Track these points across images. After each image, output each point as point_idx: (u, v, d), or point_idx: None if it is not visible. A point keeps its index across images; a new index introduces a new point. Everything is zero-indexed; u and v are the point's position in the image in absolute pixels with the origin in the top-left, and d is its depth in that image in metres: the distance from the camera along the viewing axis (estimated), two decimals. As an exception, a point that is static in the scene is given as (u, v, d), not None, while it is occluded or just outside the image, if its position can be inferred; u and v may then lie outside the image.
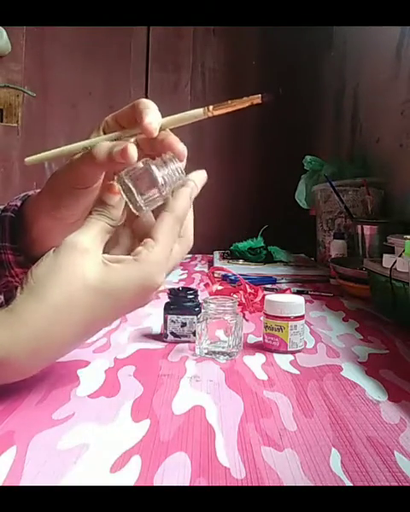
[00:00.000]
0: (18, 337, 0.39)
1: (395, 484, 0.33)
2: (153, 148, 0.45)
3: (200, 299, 0.65)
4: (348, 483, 0.33)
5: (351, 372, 0.54)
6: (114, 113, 0.47)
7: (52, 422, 0.40)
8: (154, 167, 0.43)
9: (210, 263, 1.43)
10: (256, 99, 0.44)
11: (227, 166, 1.95)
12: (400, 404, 0.46)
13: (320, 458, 0.36)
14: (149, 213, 0.47)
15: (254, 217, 1.61)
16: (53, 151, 0.47)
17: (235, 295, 0.85)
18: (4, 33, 1.83)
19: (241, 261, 1.38)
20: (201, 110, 0.45)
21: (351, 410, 0.44)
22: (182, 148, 0.45)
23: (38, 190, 0.52)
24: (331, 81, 1.89)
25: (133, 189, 0.43)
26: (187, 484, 0.32)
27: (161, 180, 0.43)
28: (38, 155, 0.47)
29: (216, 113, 0.45)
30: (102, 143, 0.44)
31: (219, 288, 0.95)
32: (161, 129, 0.45)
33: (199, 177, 0.47)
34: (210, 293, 0.90)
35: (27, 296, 0.40)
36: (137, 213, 0.45)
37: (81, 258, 0.40)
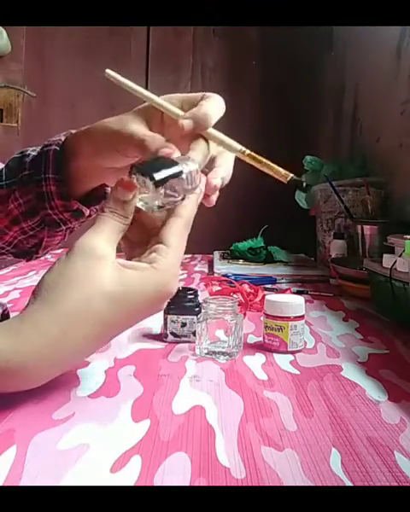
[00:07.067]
0: (32, 346, 0.38)
1: (395, 484, 0.33)
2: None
3: (200, 299, 0.65)
4: (348, 483, 0.33)
5: (351, 372, 0.54)
6: (183, 95, 0.49)
7: (52, 422, 0.40)
8: (184, 166, 0.42)
9: (210, 263, 1.43)
10: (283, 177, 0.46)
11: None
12: (400, 404, 0.46)
13: (320, 458, 0.36)
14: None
15: (254, 217, 1.61)
16: (134, 86, 0.49)
17: (235, 295, 0.85)
18: (4, 33, 1.83)
19: (241, 261, 1.38)
20: (238, 146, 0.47)
21: (351, 410, 0.44)
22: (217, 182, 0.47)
23: (82, 128, 0.52)
24: (331, 81, 1.89)
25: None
26: (187, 484, 0.32)
27: (186, 180, 0.42)
28: (120, 78, 0.49)
29: (246, 159, 0.47)
30: (159, 138, 0.45)
31: (218, 288, 0.95)
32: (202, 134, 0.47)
33: (204, 181, 0.46)
34: (210, 293, 0.91)
35: (41, 306, 0.39)
36: (148, 212, 0.44)
37: (97, 266, 0.39)
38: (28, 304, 0.40)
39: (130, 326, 0.43)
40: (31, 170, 0.52)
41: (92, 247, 0.40)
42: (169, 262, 0.41)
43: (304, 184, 0.45)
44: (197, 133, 0.47)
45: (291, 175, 0.45)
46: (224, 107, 0.48)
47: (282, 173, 0.45)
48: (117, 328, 0.42)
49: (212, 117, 0.46)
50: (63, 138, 0.53)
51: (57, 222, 0.54)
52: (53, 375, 0.41)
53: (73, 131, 0.53)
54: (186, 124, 0.45)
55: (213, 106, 0.46)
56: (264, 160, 0.46)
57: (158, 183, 0.41)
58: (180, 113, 0.47)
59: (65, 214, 0.53)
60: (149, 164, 0.43)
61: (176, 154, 0.44)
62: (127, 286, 0.40)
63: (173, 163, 0.42)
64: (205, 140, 0.47)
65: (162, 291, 0.41)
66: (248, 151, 0.47)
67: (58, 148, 0.52)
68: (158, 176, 0.41)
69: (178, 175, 0.42)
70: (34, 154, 0.54)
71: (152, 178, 0.41)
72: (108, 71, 0.49)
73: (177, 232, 0.43)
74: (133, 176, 0.42)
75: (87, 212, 0.55)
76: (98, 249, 0.40)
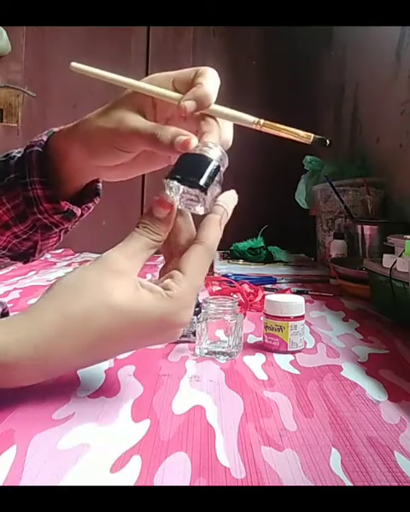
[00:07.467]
0: (29, 342, 0.38)
1: (395, 484, 0.33)
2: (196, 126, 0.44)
3: (200, 299, 0.65)
4: (348, 483, 0.33)
5: (351, 372, 0.54)
6: (171, 73, 0.46)
7: (52, 422, 0.40)
8: (214, 154, 0.41)
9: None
10: (305, 139, 0.44)
11: (227, 166, 1.94)
12: (400, 404, 0.46)
13: (320, 458, 0.36)
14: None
15: (254, 217, 1.61)
16: (103, 72, 0.46)
17: (235, 295, 0.85)
18: (4, 33, 1.83)
19: (241, 261, 1.38)
20: (251, 118, 0.45)
21: (351, 410, 0.44)
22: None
23: (64, 127, 0.50)
24: (331, 81, 1.89)
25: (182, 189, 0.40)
26: (187, 484, 0.32)
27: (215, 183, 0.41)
28: (87, 67, 0.46)
29: (263, 129, 0.44)
30: (169, 128, 0.43)
31: (219, 288, 0.95)
32: (207, 113, 0.44)
33: (229, 200, 0.44)
34: (210, 293, 0.90)
35: (47, 303, 0.39)
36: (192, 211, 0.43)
37: (111, 279, 0.39)
38: (36, 301, 0.40)
39: (131, 346, 0.43)
40: (16, 173, 0.50)
41: (112, 261, 0.40)
42: (182, 290, 0.40)
43: (327, 142, 0.43)
44: (202, 113, 0.44)
45: (313, 135, 0.44)
46: (219, 80, 0.45)
47: (304, 136, 0.44)
48: (116, 342, 0.41)
49: (213, 94, 0.44)
50: (45, 138, 0.50)
51: (48, 225, 0.52)
52: (45, 375, 0.41)
53: (56, 130, 0.51)
54: (189, 105, 0.43)
55: (212, 82, 0.44)
56: (282, 126, 0.44)
57: (205, 189, 0.40)
58: (176, 95, 0.44)
59: (55, 217, 0.51)
60: (183, 168, 0.41)
61: (193, 141, 0.42)
62: (135, 305, 0.39)
63: (204, 158, 0.41)
64: (213, 118, 0.45)
65: (168, 320, 0.40)
66: (263, 121, 0.44)
67: (41, 150, 0.49)
68: (202, 181, 0.40)
69: (217, 169, 0.41)
70: (19, 155, 0.51)
71: (197, 186, 0.40)
72: (73, 64, 0.45)
73: (195, 259, 0.41)
74: (170, 185, 0.41)
75: (78, 212, 0.53)
76: (117, 264, 0.40)
